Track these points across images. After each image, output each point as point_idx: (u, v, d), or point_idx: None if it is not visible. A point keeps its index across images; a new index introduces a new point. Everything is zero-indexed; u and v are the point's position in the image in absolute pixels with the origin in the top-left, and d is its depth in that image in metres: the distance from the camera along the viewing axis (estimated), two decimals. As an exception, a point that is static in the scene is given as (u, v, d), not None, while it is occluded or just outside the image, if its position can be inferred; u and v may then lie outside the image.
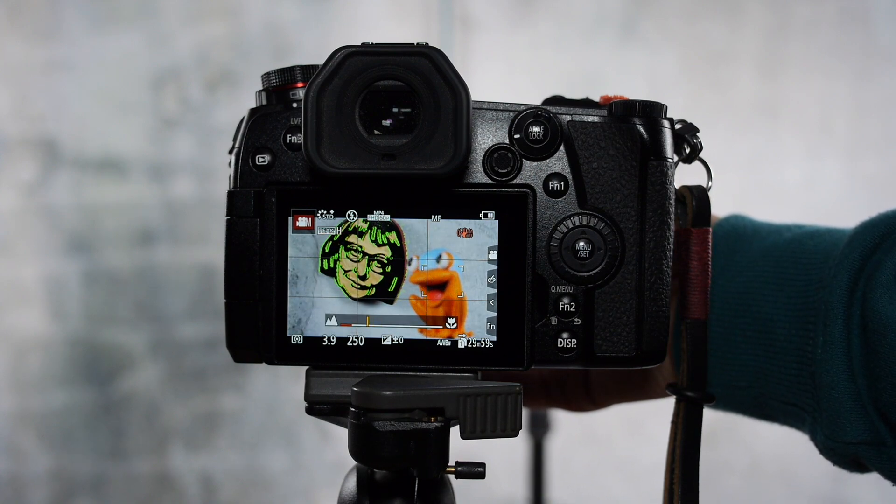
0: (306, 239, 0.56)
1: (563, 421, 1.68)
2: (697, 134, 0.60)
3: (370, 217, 0.56)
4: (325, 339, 0.56)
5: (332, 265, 0.56)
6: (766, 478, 2.05)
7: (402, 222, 0.55)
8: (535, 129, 0.55)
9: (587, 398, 0.73)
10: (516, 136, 0.55)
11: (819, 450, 0.61)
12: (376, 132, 0.53)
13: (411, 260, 0.56)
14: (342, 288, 0.56)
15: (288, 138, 0.56)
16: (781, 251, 0.64)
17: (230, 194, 0.56)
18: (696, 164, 0.62)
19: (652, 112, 0.56)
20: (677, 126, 0.59)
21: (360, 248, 0.56)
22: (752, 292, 0.64)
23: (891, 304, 0.56)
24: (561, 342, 0.55)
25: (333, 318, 0.56)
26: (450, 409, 0.51)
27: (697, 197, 0.61)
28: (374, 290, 0.56)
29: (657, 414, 0.74)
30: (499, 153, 0.55)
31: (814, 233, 0.64)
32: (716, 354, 0.65)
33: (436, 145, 0.52)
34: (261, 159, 0.56)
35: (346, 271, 0.56)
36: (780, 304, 0.62)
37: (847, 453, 0.59)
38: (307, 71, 0.56)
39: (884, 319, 0.56)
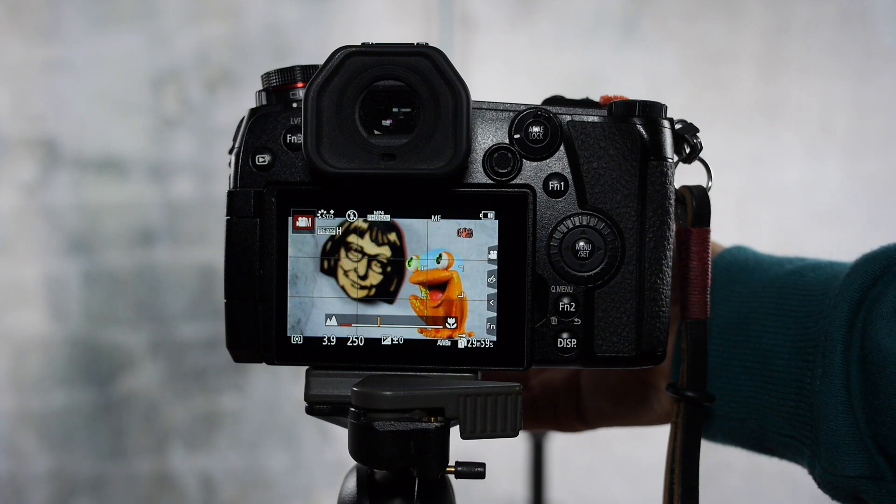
0: (306, 239, 0.56)
1: (563, 421, 1.68)
2: (697, 134, 0.60)
3: (370, 217, 0.56)
4: (325, 339, 0.56)
5: (332, 265, 0.56)
6: (766, 478, 2.05)
7: (402, 222, 0.55)
8: (535, 129, 0.55)
9: (578, 419, 0.73)
10: (516, 136, 0.55)
11: (818, 484, 0.60)
12: (376, 132, 0.53)
13: (411, 260, 0.56)
14: (342, 288, 0.56)
15: (288, 138, 0.56)
16: (783, 282, 0.64)
17: (230, 194, 0.56)
18: (696, 164, 0.62)
19: (652, 112, 0.56)
20: (677, 126, 0.59)
21: (360, 248, 0.56)
22: (753, 323, 0.64)
23: (890, 337, 0.56)
24: (561, 342, 0.55)
25: (333, 318, 0.56)
26: (450, 409, 0.51)
27: (697, 197, 0.61)
28: (374, 289, 0.56)
29: (657, 414, 0.74)
30: (499, 153, 0.55)
31: (815, 265, 0.64)
32: (715, 385, 0.65)
33: (436, 145, 0.52)
34: (261, 159, 0.56)
35: (346, 271, 0.56)
36: (780, 335, 0.62)
37: (846, 487, 0.58)
38: (307, 71, 0.56)
39: (883, 352, 0.56)
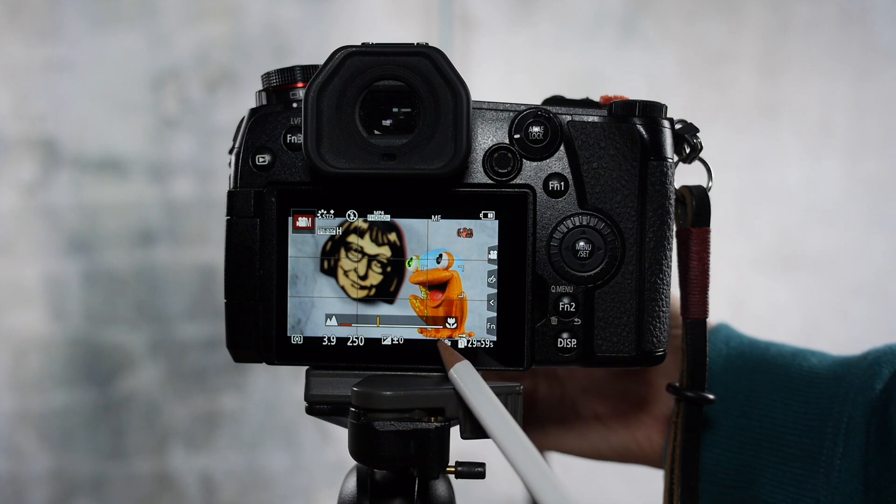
0: (306, 239, 0.56)
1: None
2: (697, 134, 0.60)
3: (370, 217, 0.56)
4: (325, 339, 0.56)
5: (332, 265, 0.56)
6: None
7: (402, 222, 0.55)
8: (535, 129, 0.55)
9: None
10: (516, 136, 0.55)
11: None
12: (376, 132, 0.53)
13: (411, 260, 0.56)
14: (342, 288, 0.56)
15: (288, 138, 0.56)
16: (788, 362, 0.67)
17: (230, 194, 0.56)
18: (696, 164, 0.62)
19: (652, 112, 0.56)
20: (677, 126, 0.59)
21: (360, 248, 0.56)
22: (761, 396, 0.67)
23: None
24: (561, 342, 0.55)
25: (333, 318, 0.56)
26: (450, 409, 0.51)
27: (697, 197, 0.61)
28: (374, 290, 0.56)
29: (657, 414, 0.74)
30: (499, 153, 0.55)
31: (810, 351, 0.68)
32: (714, 454, 0.67)
33: (436, 145, 0.52)
34: (261, 159, 0.56)
35: (346, 271, 0.56)
36: (791, 412, 0.65)
37: None
38: (307, 71, 0.56)
39: None
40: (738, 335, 0.71)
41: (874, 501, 0.60)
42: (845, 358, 0.67)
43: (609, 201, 0.55)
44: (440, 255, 0.55)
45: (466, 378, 0.50)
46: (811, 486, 0.63)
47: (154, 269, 1.96)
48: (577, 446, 0.74)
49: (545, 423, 0.74)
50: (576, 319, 0.55)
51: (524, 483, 0.44)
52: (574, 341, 0.55)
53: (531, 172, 0.55)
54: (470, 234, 0.55)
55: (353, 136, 0.53)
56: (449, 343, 0.55)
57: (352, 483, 0.56)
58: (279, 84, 0.57)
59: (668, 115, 0.57)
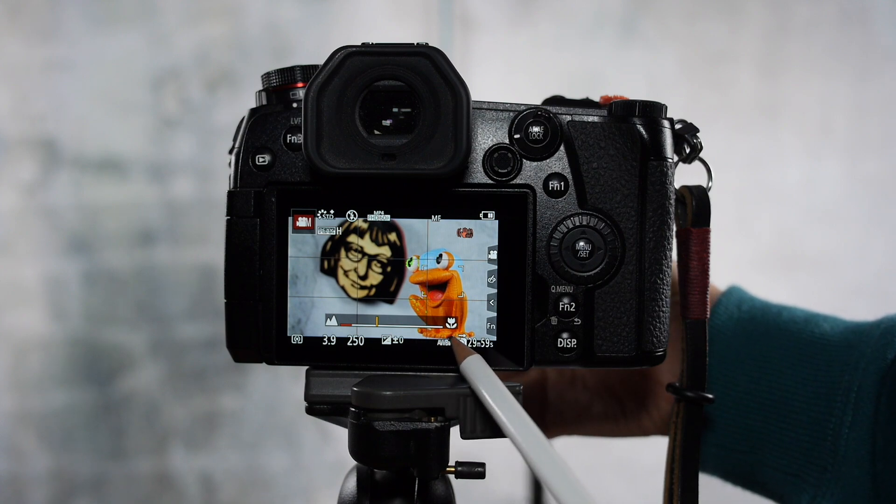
0: (306, 239, 0.56)
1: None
2: (697, 134, 0.60)
3: (370, 217, 0.56)
4: (325, 339, 0.56)
5: (332, 265, 0.56)
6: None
7: (402, 222, 0.56)
8: (535, 129, 0.55)
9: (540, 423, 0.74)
10: (516, 136, 0.55)
11: None
12: (376, 132, 0.53)
13: (411, 260, 0.56)
14: (342, 288, 0.56)
15: (288, 138, 0.56)
16: (800, 328, 0.66)
17: (230, 194, 0.56)
18: (696, 164, 0.62)
19: (652, 112, 0.56)
20: (677, 126, 0.59)
21: (360, 248, 0.56)
22: (771, 362, 0.66)
23: None
24: (561, 342, 0.55)
25: (333, 317, 0.56)
26: (450, 409, 0.51)
27: (697, 197, 0.61)
28: (374, 290, 0.56)
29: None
30: (499, 153, 0.55)
31: (822, 316, 0.67)
32: (723, 418, 0.66)
33: (436, 145, 0.52)
34: (261, 159, 0.56)
35: (346, 271, 0.56)
36: (800, 377, 0.65)
37: None
38: (307, 71, 0.56)
39: None
40: (751, 298, 0.70)
41: (881, 471, 0.59)
42: (857, 325, 0.66)
43: (609, 201, 0.55)
44: (440, 255, 0.55)
45: (478, 372, 0.50)
46: (817, 454, 0.63)
47: (154, 269, 1.96)
48: (596, 427, 0.73)
49: (560, 408, 0.74)
50: (576, 319, 0.55)
51: (538, 476, 0.44)
52: (574, 341, 0.55)
53: (531, 172, 0.55)
54: (470, 234, 0.55)
55: (353, 136, 0.53)
56: (449, 343, 0.55)
57: (352, 483, 0.56)
58: (279, 84, 0.57)
59: (668, 115, 0.57)
